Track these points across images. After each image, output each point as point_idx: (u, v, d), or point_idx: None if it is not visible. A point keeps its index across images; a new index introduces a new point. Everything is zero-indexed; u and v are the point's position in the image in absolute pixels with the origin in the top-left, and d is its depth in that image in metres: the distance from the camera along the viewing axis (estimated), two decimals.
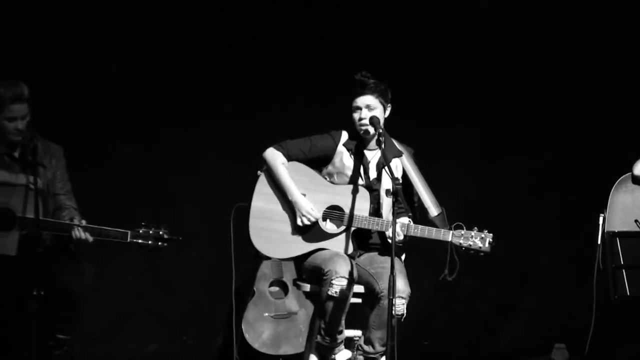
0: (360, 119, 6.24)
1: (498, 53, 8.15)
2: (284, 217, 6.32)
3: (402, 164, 6.37)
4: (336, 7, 7.93)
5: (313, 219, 6.26)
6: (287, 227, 6.32)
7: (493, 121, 8.18)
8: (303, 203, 6.26)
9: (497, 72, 8.13)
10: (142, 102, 7.62)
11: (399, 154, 6.36)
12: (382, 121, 6.27)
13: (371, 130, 6.23)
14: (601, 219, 6.32)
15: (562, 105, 8.18)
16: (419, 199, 6.35)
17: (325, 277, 6.11)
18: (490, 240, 6.16)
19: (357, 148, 6.34)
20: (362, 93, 6.26)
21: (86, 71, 7.48)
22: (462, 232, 6.15)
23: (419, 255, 6.63)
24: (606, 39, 8.11)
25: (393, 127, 6.35)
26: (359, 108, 6.26)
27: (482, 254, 6.16)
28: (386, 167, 6.07)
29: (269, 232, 6.31)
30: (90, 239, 6.09)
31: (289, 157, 6.32)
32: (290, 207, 6.30)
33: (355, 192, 6.27)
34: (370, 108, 6.25)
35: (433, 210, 6.30)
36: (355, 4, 7.95)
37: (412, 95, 7.72)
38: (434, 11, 8.06)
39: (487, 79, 8.11)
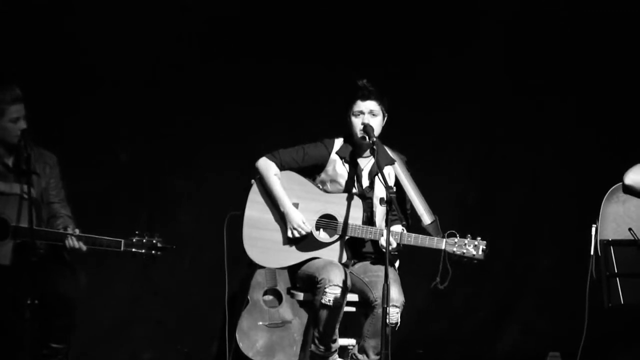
0: (363, 124, 6.23)
1: (497, 51, 8.14)
2: (277, 226, 6.32)
3: (395, 171, 6.37)
4: (334, 7, 7.95)
5: (304, 233, 6.26)
6: (281, 237, 6.32)
7: (492, 124, 8.20)
8: (294, 216, 6.26)
9: (495, 70, 8.12)
10: (138, 108, 7.65)
11: (391, 162, 6.36)
12: (380, 129, 6.28)
13: (366, 137, 6.23)
14: (593, 229, 6.31)
15: (562, 107, 8.15)
16: (412, 207, 6.35)
17: (319, 286, 6.12)
18: (484, 247, 6.15)
19: (351, 156, 6.35)
20: (368, 97, 6.25)
21: (82, 76, 7.51)
22: (456, 239, 6.14)
23: (413, 264, 6.62)
24: (607, 40, 8.11)
25: (389, 131, 6.37)
26: (362, 112, 6.26)
27: (475, 261, 6.16)
28: (379, 175, 6.07)
29: (263, 241, 6.31)
30: (84, 247, 6.11)
31: (282, 167, 6.32)
32: (283, 217, 6.30)
33: (348, 200, 6.27)
34: (373, 114, 6.25)
35: (426, 218, 6.29)
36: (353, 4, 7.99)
37: (407, 96, 7.74)
38: (429, 8, 8.05)
39: (484, 80, 8.09)
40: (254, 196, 6.34)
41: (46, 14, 7.48)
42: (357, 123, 6.25)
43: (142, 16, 7.63)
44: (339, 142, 6.37)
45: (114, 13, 7.59)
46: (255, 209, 6.33)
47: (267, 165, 6.32)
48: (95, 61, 7.54)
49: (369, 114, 6.24)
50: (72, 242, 6.08)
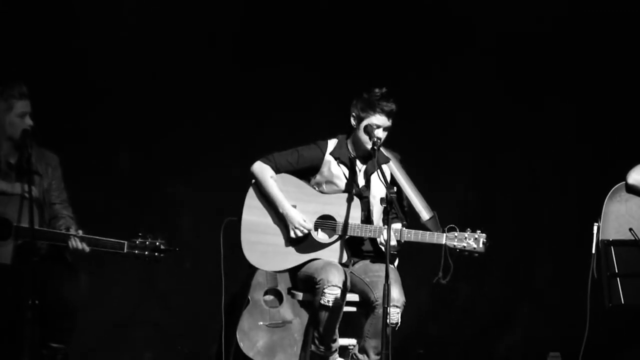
0: (379, 139, 6.19)
1: (490, 60, 8.16)
2: (276, 229, 6.33)
3: (390, 170, 6.40)
4: (333, 18, 7.98)
5: (305, 231, 6.27)
6: (280, 240, 6.33)
7: (491, 127, 8.21)
8: (295, 215, 6.27)
9: (490, 76, 8.14)
10: (139, 114, 7.70)
11: (386, 161, 6.39)
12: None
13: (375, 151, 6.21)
14: (595, 228, 6.30)
15: (561, 109, 8.16)
16: (409, 204, 6.36)
17: (317, 287, 6.13)
18: (484, 240, 6.15)
19: (344, 156, 6.36)
20: (389, 116, 6.24)
21: (83, 83, 7.57)
22: (456, 234, 6.15)
23: (413, 264, 6.63)
24: (606, 43, 8.12)
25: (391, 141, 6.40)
26: (379, 127, 6.23)
27: (476, 254, 6.16)
28: (381, 177, 6.08)
29: (262, 245, 6.33)
30: (87, 249, 6.10)
31: (277, 170, 6.33)
32: (281, 219, 6.31)
33: (345, 200, 6.28)
34: (386, 130, 6.26)
35: (425, 214, 6.30)
36: (352, 10, 8.01)
37: (406, 97, 7.73)
38: (424, 10, 8.07)
39: (481, 82, 8.11)
40: (251, 201, 6.35)
41: (49, 27, 7.55)
42: (372, 134, 6.19)
43: (142, 27, 7.68)
44: (332, 143, 6.38)
45: (115, 24, 7.65)
46: (252, 213, 6.34)
47: (262, 169, 6.32)
48: (97, 68, 7.61)
49: (384, 130, 6.25)
50: (75, 243, 6.08)
